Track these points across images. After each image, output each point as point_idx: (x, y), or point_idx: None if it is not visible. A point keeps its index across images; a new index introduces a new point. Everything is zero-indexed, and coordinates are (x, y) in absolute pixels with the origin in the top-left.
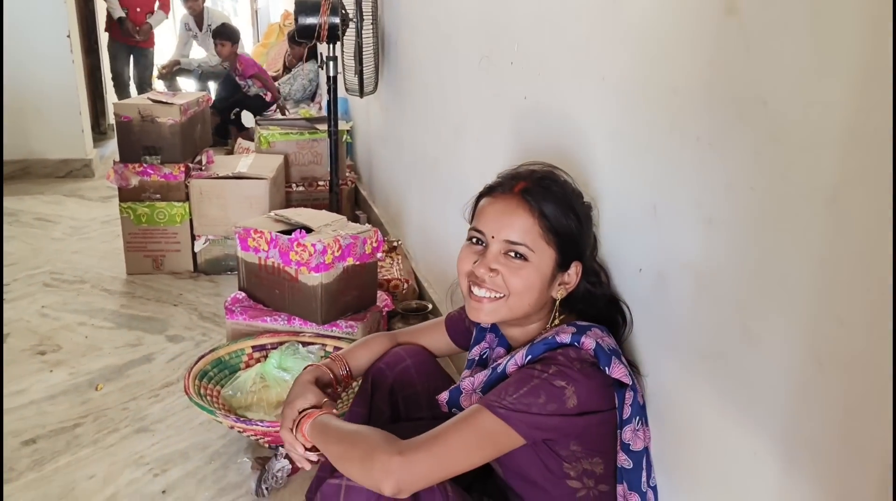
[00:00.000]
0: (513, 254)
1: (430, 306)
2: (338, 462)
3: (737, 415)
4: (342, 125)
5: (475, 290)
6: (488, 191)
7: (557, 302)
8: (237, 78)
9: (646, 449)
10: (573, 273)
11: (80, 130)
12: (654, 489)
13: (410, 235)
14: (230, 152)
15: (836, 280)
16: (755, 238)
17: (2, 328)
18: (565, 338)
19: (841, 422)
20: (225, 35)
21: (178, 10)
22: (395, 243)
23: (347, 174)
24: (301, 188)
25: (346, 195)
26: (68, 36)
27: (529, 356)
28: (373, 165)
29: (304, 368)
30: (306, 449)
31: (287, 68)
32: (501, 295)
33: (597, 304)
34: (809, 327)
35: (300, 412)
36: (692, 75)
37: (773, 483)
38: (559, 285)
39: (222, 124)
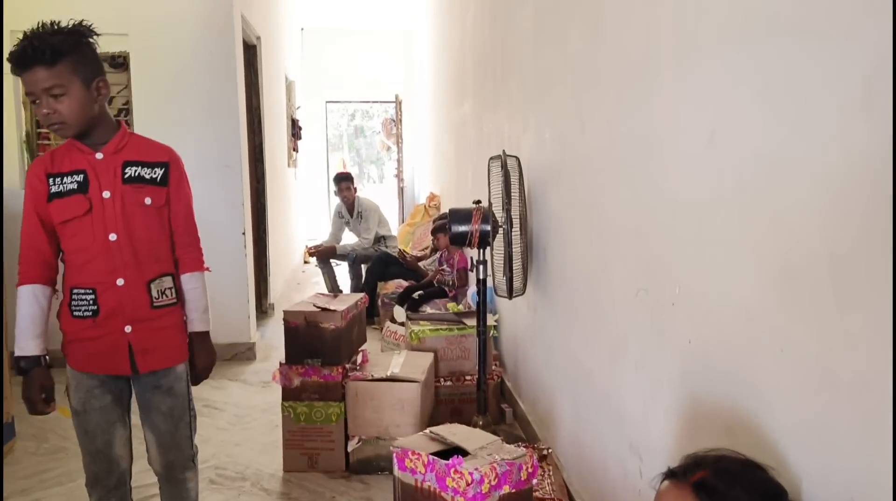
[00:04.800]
0: None
1: None
2: None
3: None
4: (489, 320)
5: None
6: (669, 475)
7: None
8: (445, 265)
9: None
10: None
11: (246, 317)
12: None
13: (561, 440)
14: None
15: None
16: None
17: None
18: None
19: None
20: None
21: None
22: (545, 452)
23: (493, 368)
24: (449, 383)
25: (491, 389)
26: (243, 233)
27: None
28: (519, 358)
29: None
30: None
31: (435, 249)
32: None
33: None
34: None
35: None
36: None
37: None
38: None
39: (371, 304)
